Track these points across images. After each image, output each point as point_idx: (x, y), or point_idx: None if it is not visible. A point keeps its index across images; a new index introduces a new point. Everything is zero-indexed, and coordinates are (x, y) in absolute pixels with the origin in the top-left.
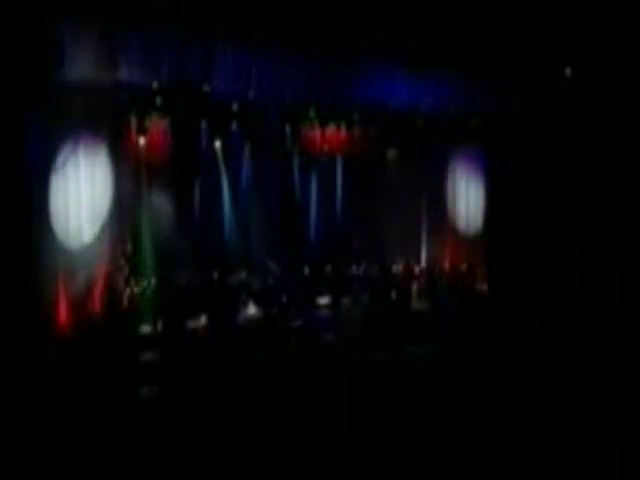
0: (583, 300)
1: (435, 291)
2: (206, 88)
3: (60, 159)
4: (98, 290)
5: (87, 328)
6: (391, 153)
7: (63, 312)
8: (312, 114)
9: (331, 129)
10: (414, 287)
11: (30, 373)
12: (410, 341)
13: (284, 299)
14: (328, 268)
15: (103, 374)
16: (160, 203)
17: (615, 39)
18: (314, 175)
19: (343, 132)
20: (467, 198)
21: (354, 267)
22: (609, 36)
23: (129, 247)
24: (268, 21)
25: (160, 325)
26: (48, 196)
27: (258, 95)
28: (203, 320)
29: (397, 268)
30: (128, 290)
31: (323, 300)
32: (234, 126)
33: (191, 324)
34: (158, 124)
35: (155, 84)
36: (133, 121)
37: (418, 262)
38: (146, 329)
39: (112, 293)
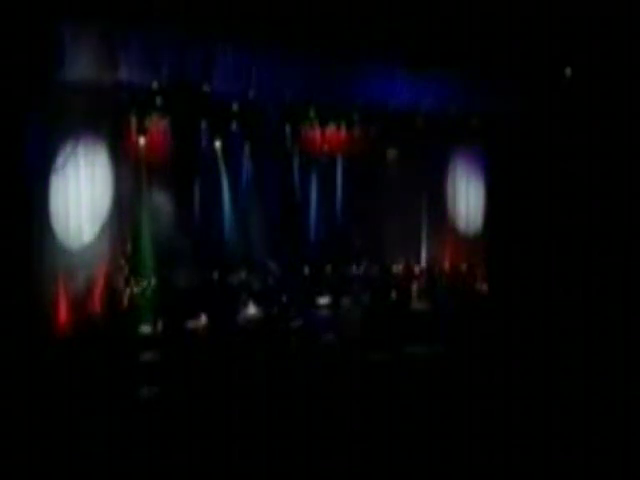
0: (583, 300)
1: (435, 291)
2: (206, 88)
3: (60, 159)
4: (98, 290)
5: (87, 328)
6: (391, 153)
7: (63, 312)
8: (312, 114)
9: (331, 129)
10: (414, 287)
11: (30, 373)
12: (410, 341)
13: (284, 299)
14: (328, 268)
15: (103, 374)
16: (160, 203)
17: (615, 39)
18: (314, 175)
19: (343, 132)
20: (467, 198)
21: (354, 267)
22: (609, 36)
23: (129, 247)
24: (268, 21)
25: (160, 325)
26: (48, 196)
27: (258, 95)
28: (203, 320)
29: (397, 268)
30: (128, 290)
31: (323, 300)
32: (234, 126)
33: (191, 324)
34: (158, 124)
35: (155, 84)
36: (133, 121)
37: (418, 262)
38: (146, 329)
39: (112, 293)
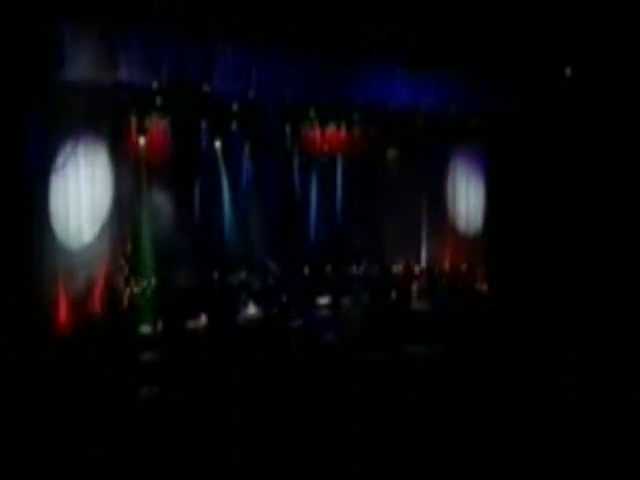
0: (583, 300)
1: (435, 291)
2: (206, 88)
3: (60, 159)
4: (98, 290)
5: (87, 328)
6: (391, 153)
7: (63, 312)
8: (312, 114)
9: (331, 129)
10: (414, 287)
11: (30, 373)
12: (410, 341)
13: (284, 299)
14: (328, 268)
15: (103, 374)
16: (160, 203)
17: (615, 39)
18: (314, 175)
19: (343, 132)
20: (467, 198)
21: (354, 267)
22: (609, 36)
23: (129, 247)
24: (268, 21)
25: (160, 325)
26: (48, 196)
27: (258, 95)
28: (203, 320)
29: (397, 268)
30: (128, 290)
31: (323, 300)
32: (234, 126)
33: (191, 324)
34: (158, 124)
35: (155, 84)
36: (133, 121)
37: (418, 262)
38: (146, 329)
39: (112, 293)
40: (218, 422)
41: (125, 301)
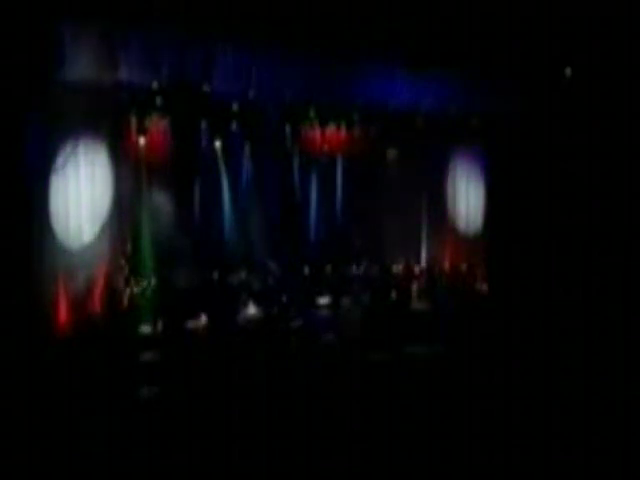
0: (583, 300)
1: (435, 291)
2: (206, 88)
3: (60, 159)
4: (98, 290)
5: (87, 328)
6: (391, 153)
7: (63, 312)
8: (312, 114)
9: (331, 129)
10: (414, 287)
11: (30, 373)
12: (410, 341)
13: (284, 299)
14: (328, 268)
15: (103, 374)
16: (160, 203)
17: (615, 39)
18: (314, 175)
19: (343, 132)
20: (467, 198)
21: (354, 267)
22: (609, 36)
23: (129, 247)
24: (268, 21)
25: (160, 325)
26: (48, 196)
27: (258, 95)
28: (203, 320)
29: (397, 268)
30: (128, 290)
31: (323, 300)
32: (234, 126)
33: (191, 324)
34: (158, 124)
35: (155, 84)
36: (133, 121)
37: (418, 262)
38: (146, 329)
39: (112, 293)
40: (218, 422)
41: (125, 301)
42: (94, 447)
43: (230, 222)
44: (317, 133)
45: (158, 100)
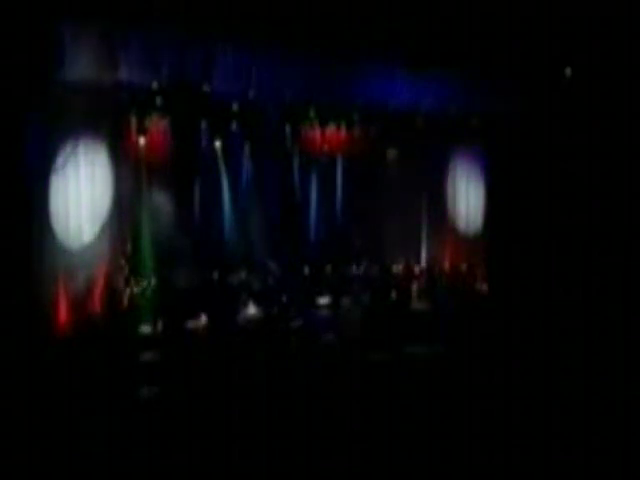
0: (583, 300)
1: (435, 291)
2: (206, 88)
3: (60, 159)
4: (98, 290)
5: (87, 328)
6: (391, 153)
7: (63, 312)
8: (312, 114)
9: (331, 129)
10: (414, 287)
11: (30, 373)
12: (410, 341)
13: (284, 299)
14: (328, 268)
15: (103, 374)
16: (160, 203)
17: (615, 39)
18: (314, 175)
19: (343, 132)
20: (467, 198)
21: (354, 267)
22: (609, 36)
23: (129, 247)
24: (268, 21)
25: (160, 325)
26: (48, 196)
27: (258, 95)
28: (203, 320)
29: (397, 268)
30: (128, 290)
31: (323, 300)
32: (234, 126)
33: (191, 324)
34: (158, 124)
35: (155, 84)
36: (133, 121)
37: (418, 262)
38: (146, 329)
39: (112, 293)
40: (218, 422)
41: (125, 301)
42: (94, 447)
43: (230, 222)
44: (317, 133)
45: (158, 100)
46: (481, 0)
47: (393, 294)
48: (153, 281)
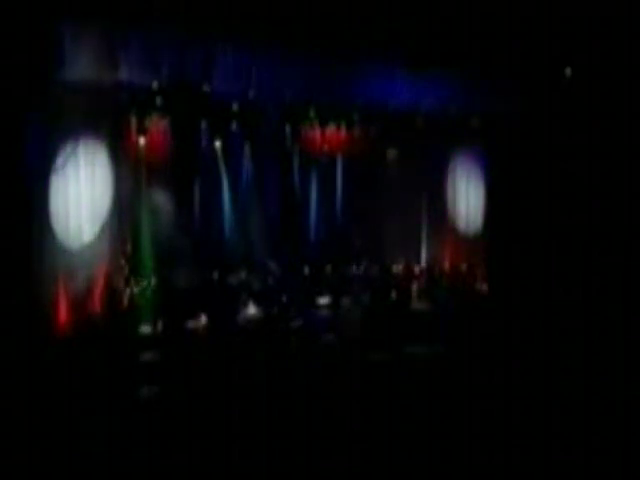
0: (583, 300)
1: (435, 291)
2: (206, 88)
3: (60, 159)
4: (98, 290)
5: (87, 328)
6: (391, 153)
7: (63, 312)
8: (312, 114)
9: (331, 129)
10: (414, 287)
11: (30, 373)
12: (410, 341)
13: (284, 299)
14: (328, 268)
15: (103, 374)
16: (160, 203)
17: (615, 39)
18: (314, 175)
19: (343, 132)
20: (467, 198)
21: (354, 267)
22: (609, 36)
23: (129, 247)
24: (268, 21)
25: (160, 325)
26: (48, 196)
27: (258, 95)
28: (203, 320)
29: (397, 268)
30: (128, 290)
31: (323, 300)
32: (234, 126)
33: (191, 324)
34: (158, 124)
35: (155, 84)
36: (133, 121)
37: (418, 262)
38: (146, 329)
39: (112, 293)
40: (218, 422)
41: (125, 301)
42: (94, 447)
43: (230, 222)
44: (317, 133)
45: (158, 100)
46: (481, 0)
47: (393, 294)
48: (153, 281)
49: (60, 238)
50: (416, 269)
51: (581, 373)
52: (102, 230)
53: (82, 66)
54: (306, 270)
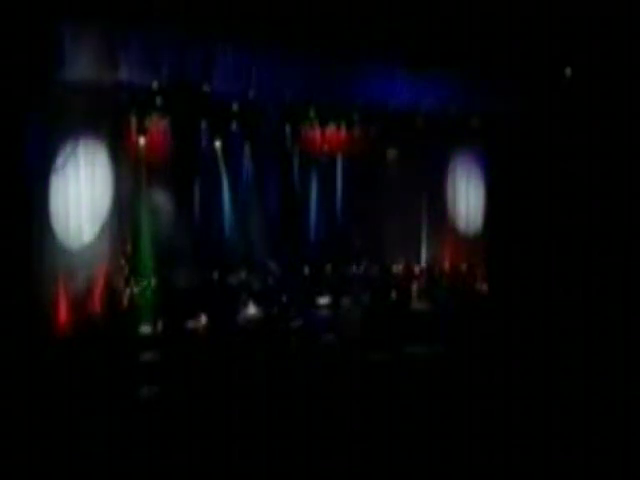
0: (583, 300)
1: (435, 291)
2: (206, 88)
3: (60, 159)
4: (98, 290)
5: (87, 328)
6: (391, 153)
7: (63, 312)
8: (312, 114)
9: (331, 129)
10: (414, 287)
11: (30, 373)
12: (410, 341)
13: (284, 299)
14: (328, 268)
15: (103, 374)
16: (160, 203)
17: (615, 39)
18: (314, 175)
19: (343, 132)
20: (467, 198)
21: (354, 267)
22: (609, 36)
23: (129, 247)
24: (268, 21)
25: (160, 325)
26: (48, 196)
27: (258, 95)
28: (203, 320)
29: (397, 268)
30: (128, 290)
31: (323, 300)
32: (234, 126)
33: (191, 324)
34: (158, 124)
35: (155, 84)
36: (133, 121)
37: (418, 262)
38: (146, 329)
39: (112, 293)
40: (218, 422)
41: (125, 301)
42: (94, 447)
43: (230, 222)
44: (317, 133)
45: (158, 100)
46: (481, 0)
47: (393, 294)
48: (153, 281)
49: (60, 238)
50: (416, 269)
51: (581, 373)
52: (102, 230)
53: (82, 66)
54: (306, 270)
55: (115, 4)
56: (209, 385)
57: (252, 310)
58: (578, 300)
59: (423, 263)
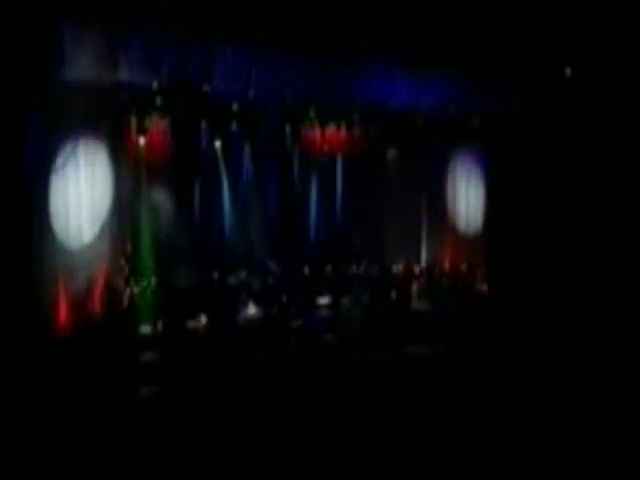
0: (583, 300)
1: (435, 291)
2: (206, 88)
3: (60, 159)
4: (98, 290)
5: (87, 328)
6: (391, 153)
7: (63, 312)
8: (312, 114)
9: (331, 129)
10: (414, 287)
11: (30, 373)
12: (410, 341)
13: (284, 299)
14: (328, 268)
15: (103, 374)
16: (160, 203)
17: (615, 39)
18: (314, 175)
19: (343, 132)
20: (467, 198)
21: (354, 267)
22: (609, 36)
23: (129, 247)
24: (268, 21)
25: (160, 325)
26: (48, 196)
27: (258, 95)
28: (203, 320)
29: (397, 268)
30: (128, 290)
31: (323, 300)
32: (234, 126)
33: (191, 324)
34: (158, 124)
35: (155, 84)
36: (133, 121)
37: (418, 262)
38: (146, 329)
39: (112, 293)
40: (218, 422)
41: (125, 301)
42: (94, 447)
43: (230, 222)
44: (317, 133)
45: (158, 100)
46: (481, 0)
47: (393, 294)
48: (153, 281)
49: (60, 238)
50: (416, 269)
51: (581, 373)
52: (102, 230)
53: (82, 66)
54: (306, 270)
55: (115, 4)
56: (209, 385)
57: (252, 310)
58: (578, 300)
59: (423, 263)
